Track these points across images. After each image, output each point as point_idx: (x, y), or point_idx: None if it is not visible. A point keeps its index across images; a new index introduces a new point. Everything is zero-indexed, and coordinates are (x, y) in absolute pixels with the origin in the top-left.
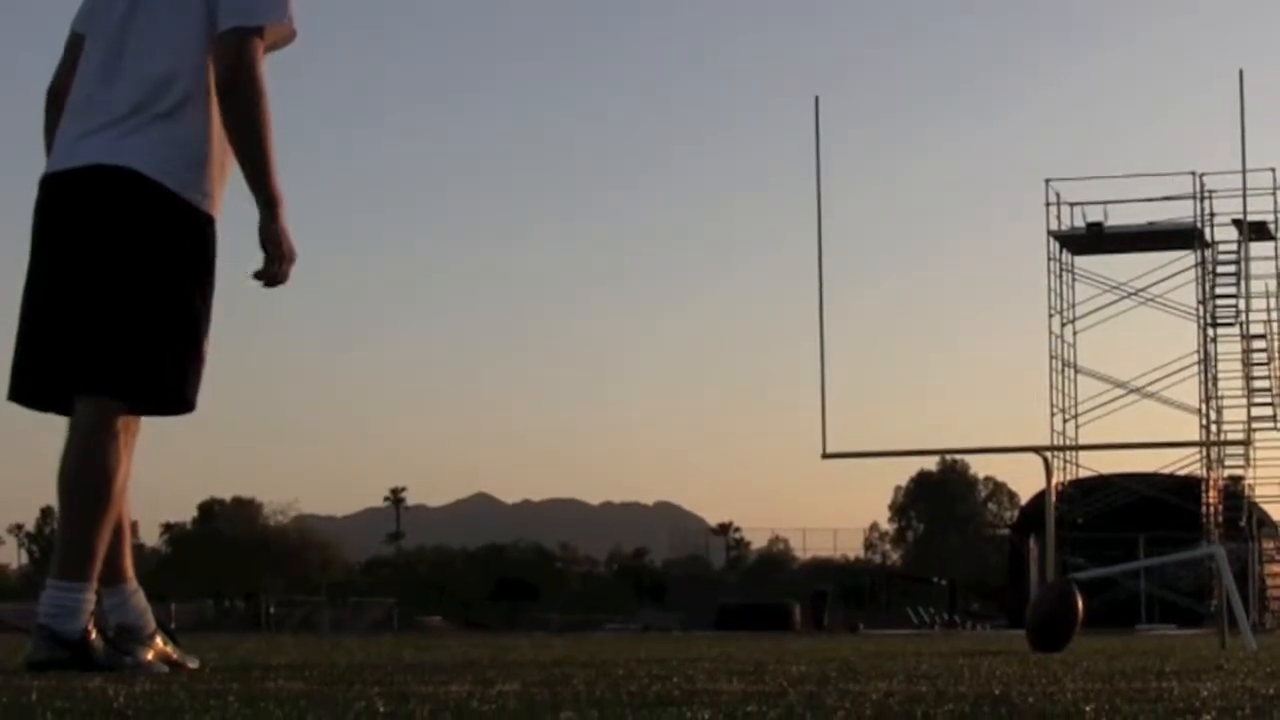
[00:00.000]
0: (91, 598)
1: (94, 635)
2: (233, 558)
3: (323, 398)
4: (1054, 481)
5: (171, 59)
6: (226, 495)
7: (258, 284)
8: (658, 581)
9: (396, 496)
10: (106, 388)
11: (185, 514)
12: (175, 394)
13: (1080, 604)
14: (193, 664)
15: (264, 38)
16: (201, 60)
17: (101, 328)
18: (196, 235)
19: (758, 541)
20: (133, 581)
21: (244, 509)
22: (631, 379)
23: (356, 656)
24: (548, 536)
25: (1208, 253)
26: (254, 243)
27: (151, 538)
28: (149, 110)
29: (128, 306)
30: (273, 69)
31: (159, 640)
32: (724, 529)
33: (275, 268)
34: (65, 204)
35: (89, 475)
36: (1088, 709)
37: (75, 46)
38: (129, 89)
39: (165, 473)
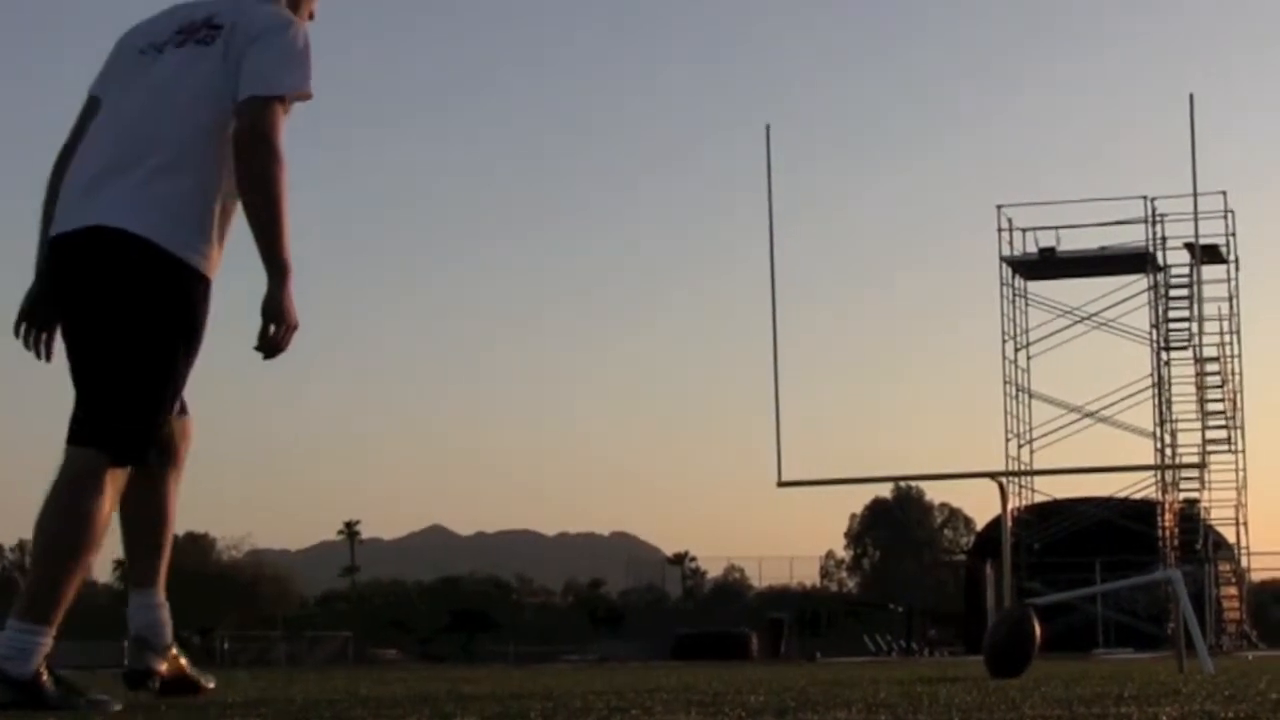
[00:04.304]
0: (48, 642)
1: (45, 677)
2: (186, 593)
3: (275, 431)
4: (1010, 507)
5: (178, 122)
6: (179, 530)
7: (258, 354)
8: (614, 612)
9: (351, 529)
10: (85, 438)
11: None
12: (141, 447)
13: (1038, 629)
14: (209, 684)
15: (286, 106)
16: (210, 123)
17: (87, 382)
18: (188, 295)
19: (714, 571)
20: (161, 593)
21: (197, 544)
22: (585, 409)
23: (313, 691)
24: (503, 568)
25: (1160, 276)
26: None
27: (104, 574)
28: (151, 172)
29: (111, 362)
30: None
31: (174, 653)
32: (680, 558)
33: (277, 337)
34: (69, 266)
35: (63, 523)
36: None
37: (91, 110)
38: (133, 150)
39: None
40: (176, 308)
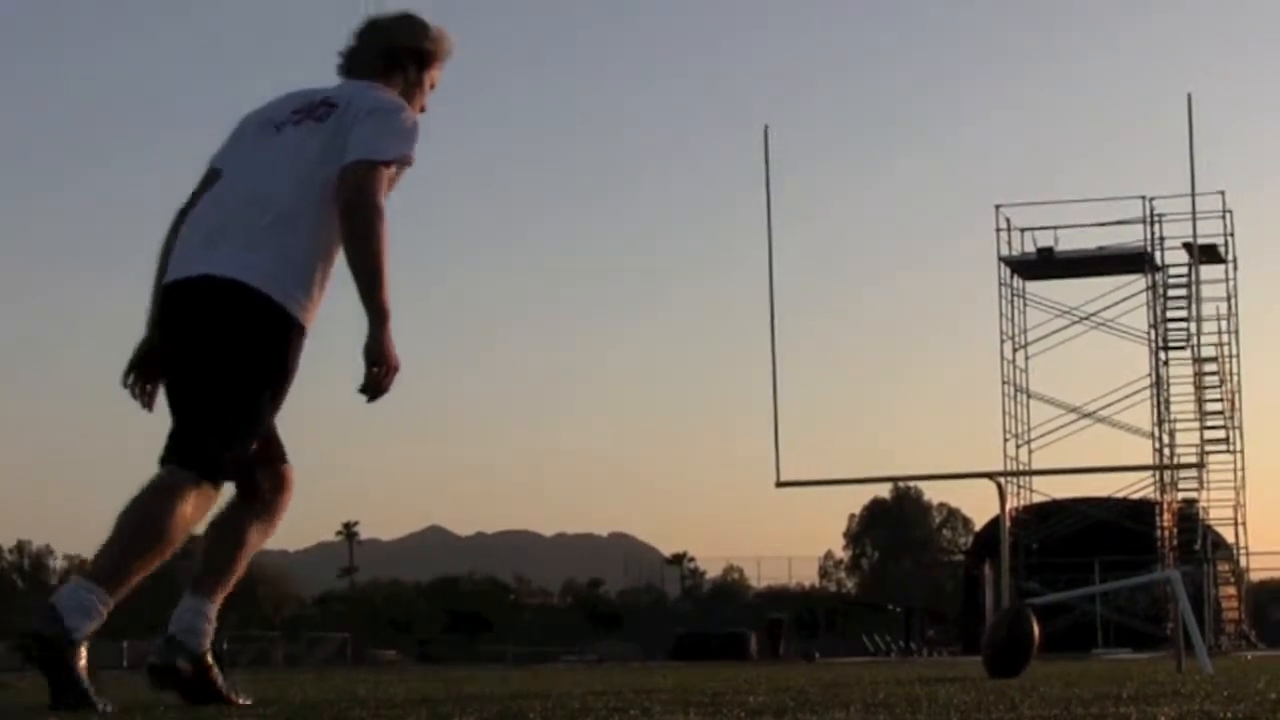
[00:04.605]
0: (100, 606)
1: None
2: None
3: None
4: (1008, 507)
5: (289, 187)
6: None
7: (363, 397)
8: (613, 612)
9: (349, 530)
10: (171, 456)
11: None
12: (217, 468)
13: (1036, 629)
14: (244, 700)
15: (393, 175)
16: (319, 189)
17: (182, 408)
18: (285, 340)
19: (712, 571)
20: (213, 607)
21: (195, 544)
22: (584, 409)
23: (311, 693)
24: (502, 569)
25: (1158, 276)
26: None
27: None
28: (262, 230)
29: (204, 392)
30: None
31: (208, 662)
32: (678, 559)
33: (379, 378)
34: (179, 308)
35: (134, 519)
36: None
37: (210, 179)
38: (246, 210)
39: (115, 509)
40: (272, 350)
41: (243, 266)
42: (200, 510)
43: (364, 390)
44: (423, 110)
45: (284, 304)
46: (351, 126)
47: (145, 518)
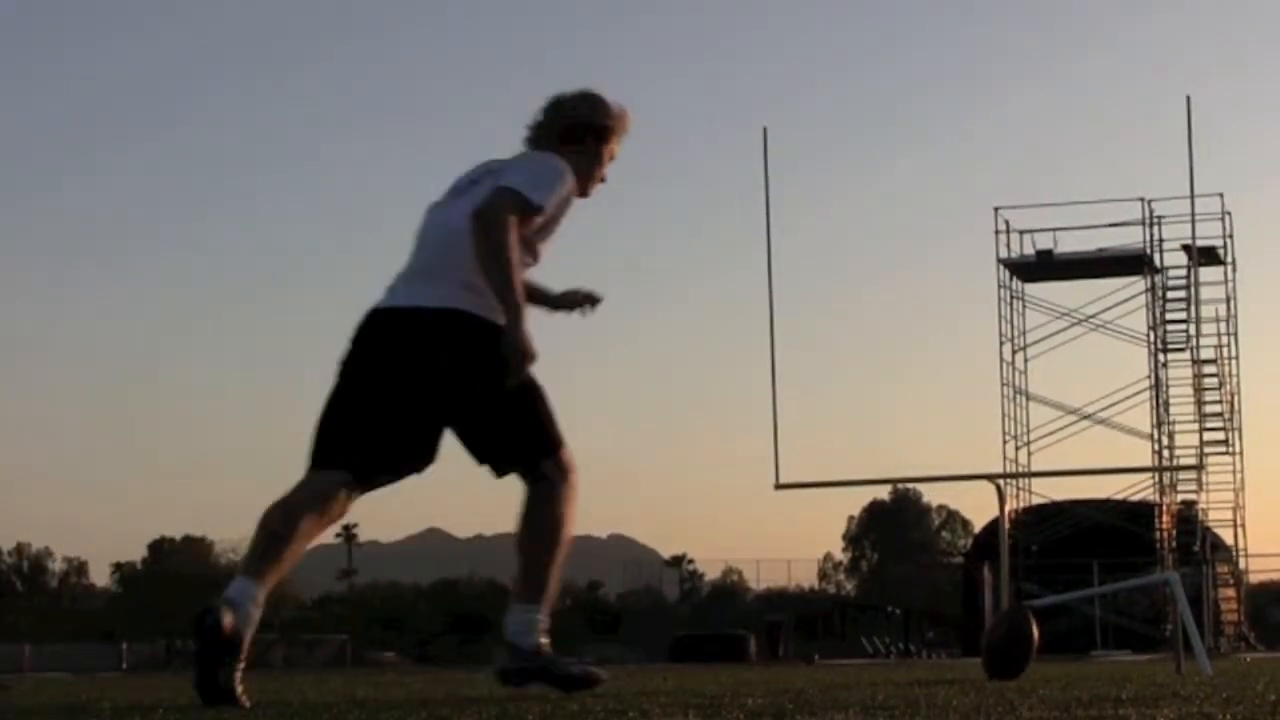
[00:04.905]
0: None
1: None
2: (184, 596)
3: (273, 433)
4: (1007, 509)
5: (463, 223)
6: (177, 533)
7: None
8: (612, 614)
9: (348, 533)
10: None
11: (136, 553)
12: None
13: (1035, 631)
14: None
15: (527, 217)
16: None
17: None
18: (493, 344)
19: (711, 573)
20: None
21: (195, 547)
22: (582, 410)
23: (310, 695)
24: (501, 571)
25: (1157, 278)
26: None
27: (102, 577)
28: (457, 264)
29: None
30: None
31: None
32: (677, 561)
33: (517, 368)
34: (386, 331)
35: (556, 531)
36: None
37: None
38: (447, 252)
39: (115, 512)
40: (493, 357)
41: (446, 296)
42: (339, 506)
43: (507, 380)
44: (603, 180)
45: (491, 317)
46: (506, 167)
47: (560, 524)
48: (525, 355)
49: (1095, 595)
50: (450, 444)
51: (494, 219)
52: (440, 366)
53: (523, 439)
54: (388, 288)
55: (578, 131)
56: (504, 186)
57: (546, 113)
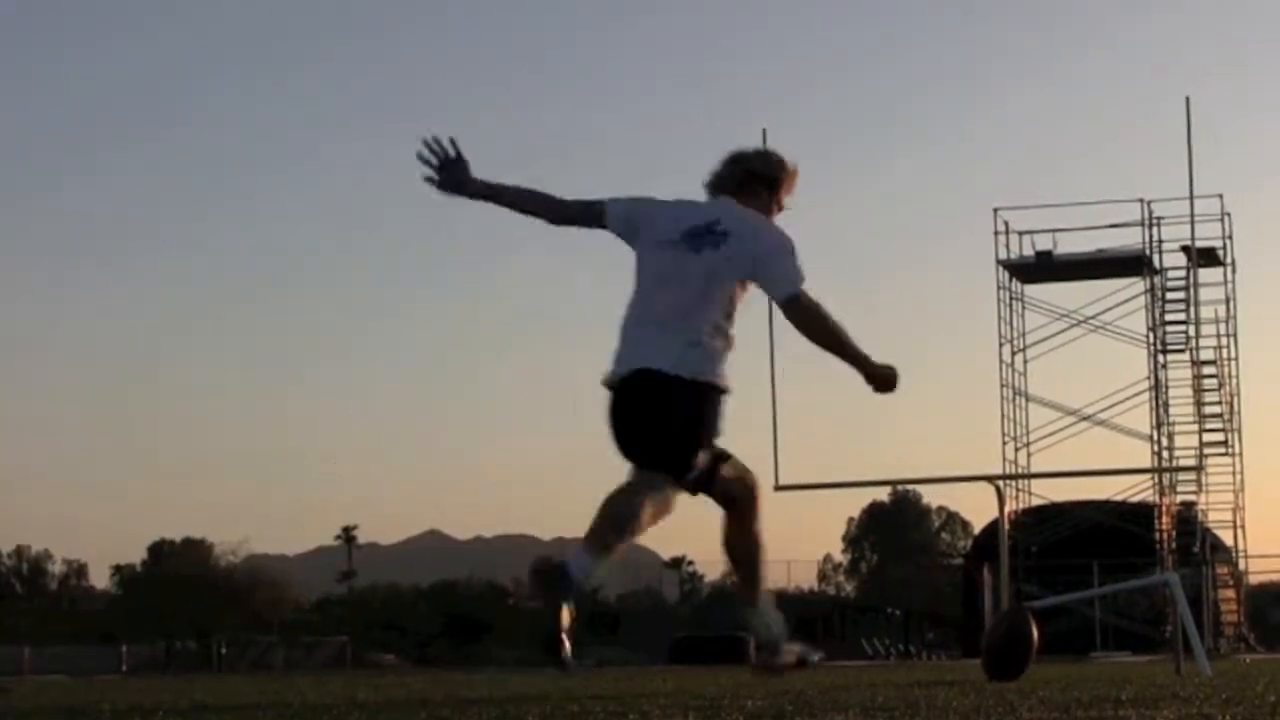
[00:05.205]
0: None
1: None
2: (184, 598)
3: (273, 435)
4: (1007, 510)
5: (708, 307)
6: (176, 536)
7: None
8: (611, 616)
9: (348, 535)
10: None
11: (135, 555)
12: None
13: (1035, 631)
14: (813, 656)
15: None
16: (723, 305)
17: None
18: (719, 402)
19: (711, 574)
20: (765, 602)
21: (194, 549)
22: (582, 412)
23: (310, 696)
24: (501, 573)
25: (1157, 279)
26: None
27: (102, 579)
28: (702, 337)
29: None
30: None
31: (789, 647)
32: (677, 563)
33: (891, 386)
34: (644, 389)
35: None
36: None
37: (596, 216)
38: (681, 327)
39: (115, 514)
40: (716, 409)
41: (688, 365)
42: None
43: (881, 389)
44: (781, 209)
45: (719, 381)
46: (757, 261)
47: (623, 506)
48: (895, 381)
49: (1095, 597)
50: (450, 445)
51: (822, 319)
52: (705, 420)
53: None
54: (638, 334)
55: (753, 182)
56: (795, 295)
57: (727, 165)
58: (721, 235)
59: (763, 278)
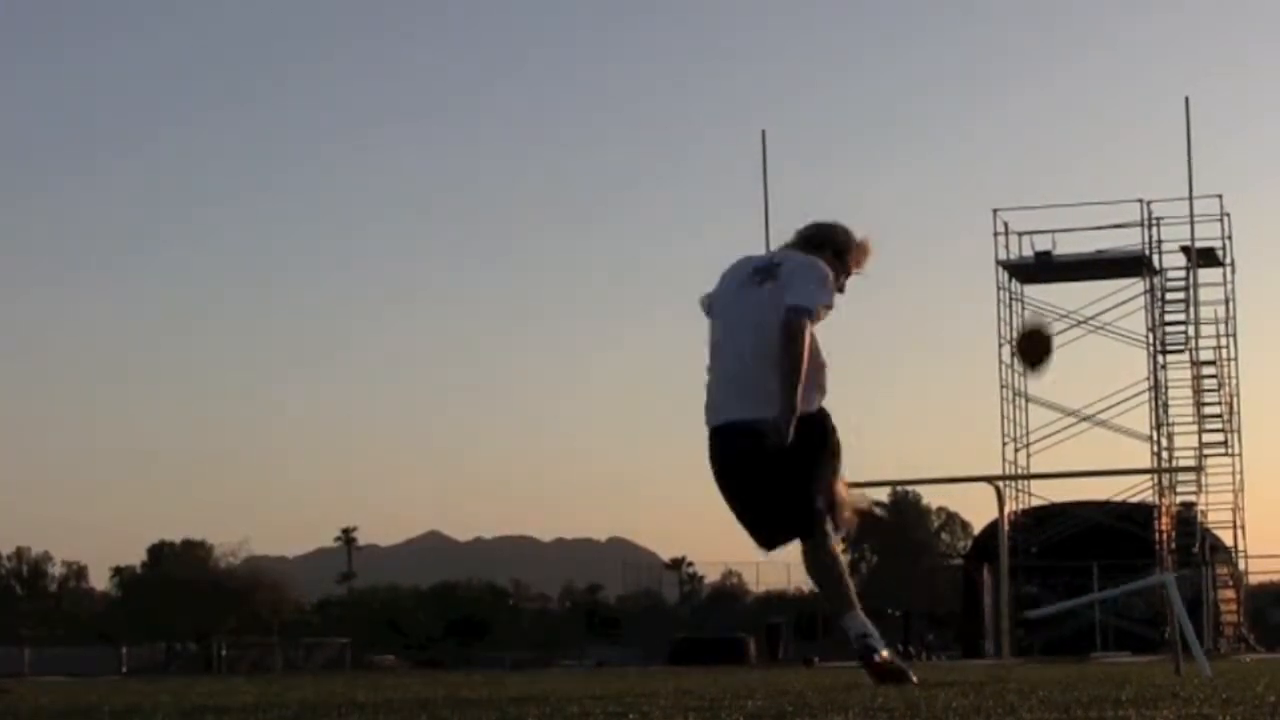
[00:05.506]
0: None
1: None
2: (183, 600)
3: (273, 437)
4: (1007, 510)
5: (768, 338)
6: (176, 537)
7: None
8: (611, 617)
9: (348, 536)
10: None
11: (135, 557)
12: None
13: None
14: (914, 677)
15: (817, 316)
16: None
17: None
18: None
19: (711, 575)
20: (857, 609)
21: (194, 551)
22: (582, 415)
23: (310, 698)
24: (500, 574)
25: (1156, 280)
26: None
27: (101, 581)
28: (766, 376)
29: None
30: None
31: (885, 654)
32: (677, 564)
33: (774, 445)
34: (735, 443)
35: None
36: None
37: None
38: (753, 364)
39: (115, 516)
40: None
41: (765, 408)
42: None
43: (772, 440)
44: (841, 290)
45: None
46: (793, 273)
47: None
48: (781, 441)
49: (1095, 601)
50: (450, 446)
51: (796, 340)
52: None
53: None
54: (723, 393)
55: (822, 245)
56: (795, 306)
57: (802, 233)
58: (776, 266)
59: (785, 284)
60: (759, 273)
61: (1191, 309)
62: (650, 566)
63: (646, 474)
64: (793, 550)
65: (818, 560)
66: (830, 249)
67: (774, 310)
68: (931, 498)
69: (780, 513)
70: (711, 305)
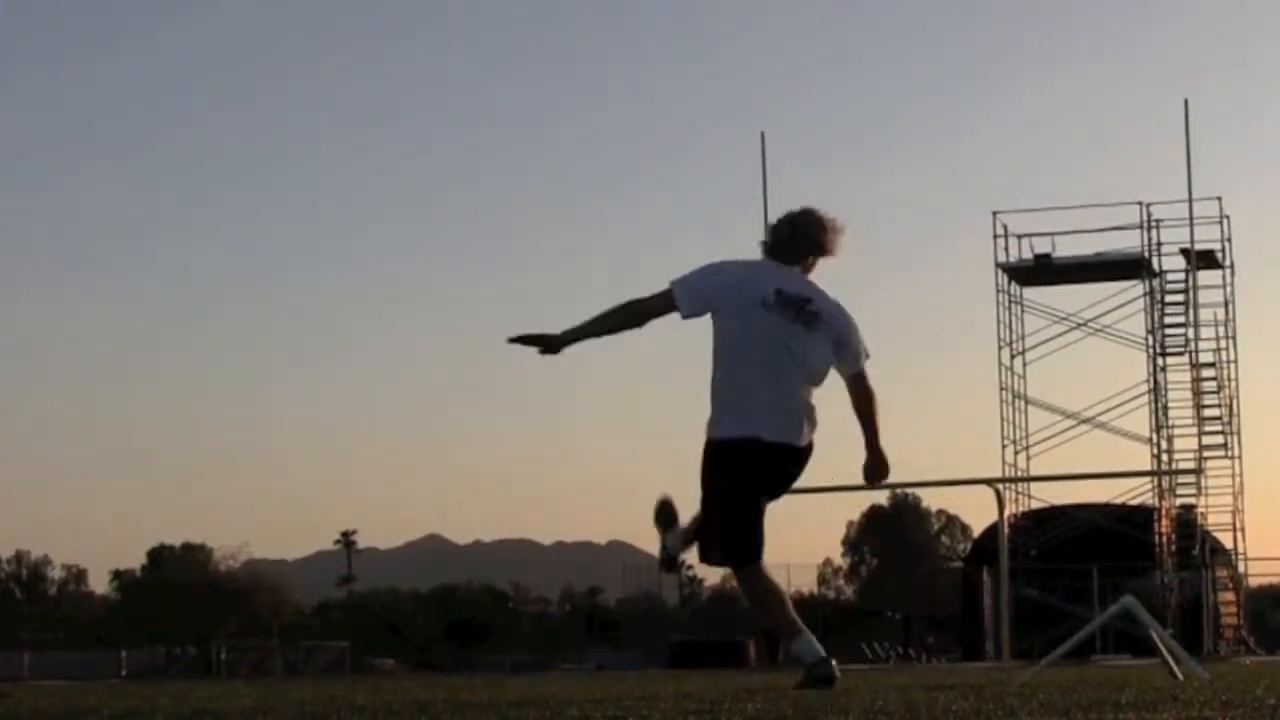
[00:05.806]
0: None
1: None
2: (183, 603)
3: (272, 439)
4: (1006, 513)
5: (808, 379)
6: (176, 541)
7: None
8: (611, 620)
9: (347, 539)
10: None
11: (135, 560)
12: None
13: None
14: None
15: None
16: (818, 378)
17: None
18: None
19: (711, 578)
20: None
21: (193, 554)
22: (582, 417)
23: (310, 701)
24: (500, 577)
25: (1156, 282)
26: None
27: (101, 584)
28: (801, 409)
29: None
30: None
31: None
32: (677, 566)
33: (880, 478)
34: (766, 454)
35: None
36: None
37: (668, 302)
38: (793, 396)
39: (114, 519)
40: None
41: (799, 433)
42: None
43: (872, 476)
44: (809, 270)
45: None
46: (845, 340)
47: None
48: (887, 470)
49: (1094, 604)
50: (449, 449)
51: (872, 395)
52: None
53: None
54: (768, 411)
55: (813, 252)
56: (862, 373)
57: (787, 232)
58: (814, 315)
59: (840, 354)
60: (792, 306)
61: (1191, 311)
62: (650, 569)
63: (646, 477)
64: (793, 551)
65: (758, 588)
66: (816, 253)
67: (822, 361)
68: (931, 500)
69: (745, 535)
70: (716, 304)
